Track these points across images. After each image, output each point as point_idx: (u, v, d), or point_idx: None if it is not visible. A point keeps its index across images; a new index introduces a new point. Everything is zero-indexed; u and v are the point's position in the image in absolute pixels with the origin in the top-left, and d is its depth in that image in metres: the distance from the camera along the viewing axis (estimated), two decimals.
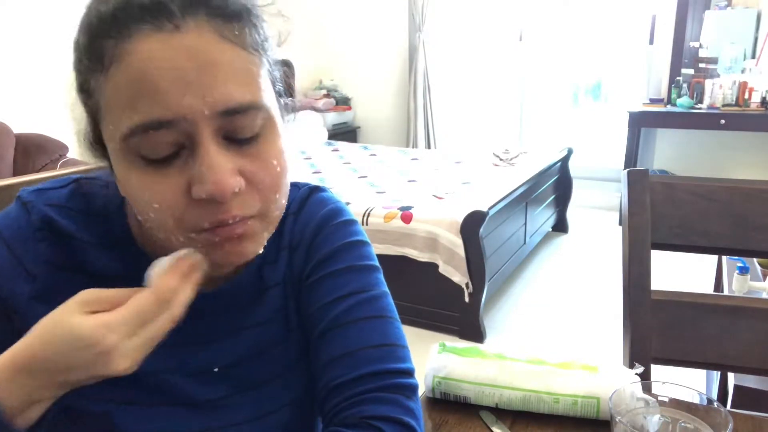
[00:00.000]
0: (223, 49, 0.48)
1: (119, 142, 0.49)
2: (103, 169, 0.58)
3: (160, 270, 0.50)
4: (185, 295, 0.50)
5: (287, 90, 0.59)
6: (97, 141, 0.54)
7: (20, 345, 0.48)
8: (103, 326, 0.46)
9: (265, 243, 0.56)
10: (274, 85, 0.55)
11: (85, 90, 0.51)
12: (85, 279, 0.58)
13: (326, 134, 4.51)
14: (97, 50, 0.48)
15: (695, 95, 3.77)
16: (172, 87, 0.46)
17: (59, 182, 0.61)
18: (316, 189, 0.70)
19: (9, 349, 0.48)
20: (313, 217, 0.66)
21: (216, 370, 0.62)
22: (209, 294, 0.61)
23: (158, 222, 0.51)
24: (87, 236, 0.58)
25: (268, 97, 0.52)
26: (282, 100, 0.57)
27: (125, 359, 0.47)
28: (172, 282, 0.49)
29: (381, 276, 0.67)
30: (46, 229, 0.57)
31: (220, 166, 0.48)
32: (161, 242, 0.53)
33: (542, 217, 3.49)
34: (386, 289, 0.66)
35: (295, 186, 0.69)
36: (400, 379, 0.59)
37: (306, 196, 0.68)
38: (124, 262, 0.59)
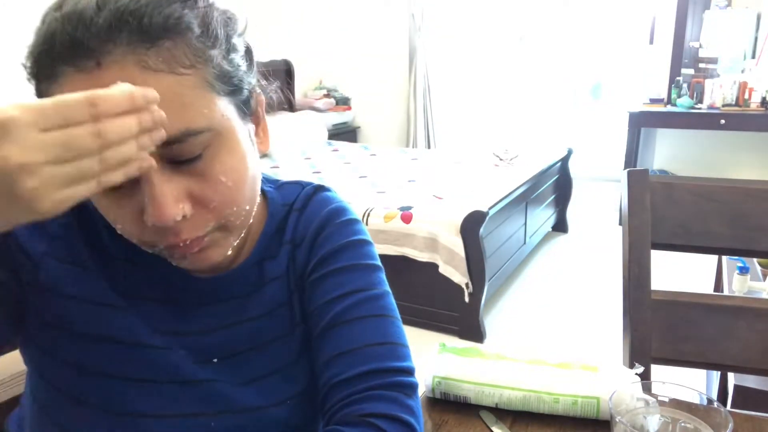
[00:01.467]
0: (146, 80, 0.46)
1: None
2: None
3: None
4: (125, 123, 0.40)
5: (249, 69, 0.56)
6: None
7: None
8: (10, 105, 0.36)
9: (234, 243, 0.57)
10: (227, 84, 0.52)
11: None
12: (94, 253, 0.60)
13: (326, 134, 4.51)
14: (36, 88, 0.51)
15: (695, 95, 3.77)
16: None
17: None
18: (321, 188, 0.70)
19: None
20: (316, 215, 0.67)
21: (215, 360, 0.62)
22: (208, 279, 0.62)
23: (125, 234, 0.54)
24: (98, 216, 0.58)
25: (210, 114, 0.50)
26: (241, 97, 0.54)
27: (23, 146, 0.35)
28: (114, 94, 0.39)
29: (383, 275, 0.67)
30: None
31: (163, 197, 0.49)
32: None
33: (542, 217, 3.49)
34: (388, 288, 0.66)
35: (299, 184, 0.70)
36: (401, 378, 0.59)
37: (311, 194, 0.69)
38: (130, 245, 0.57)
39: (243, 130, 0.55)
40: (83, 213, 0.60)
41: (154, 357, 0.60)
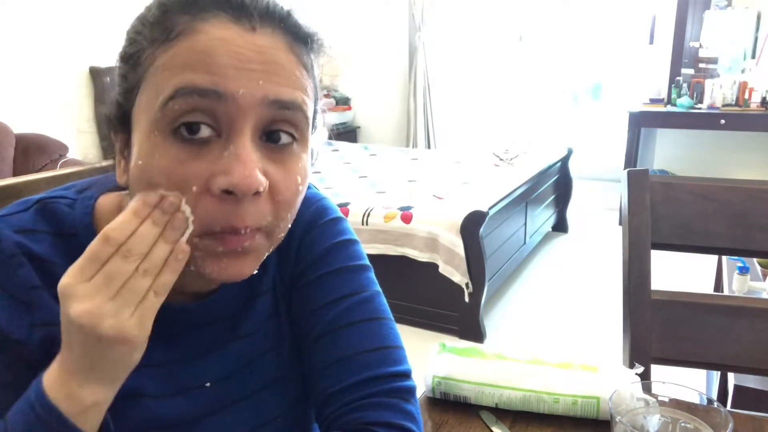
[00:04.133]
0: (289, 58, 0.50)
1: (158, 110, 0.47)
2: (99, 171, 0.57)
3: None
4: (144, 232, 0.46)
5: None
6: (121, 117, 0.52)
7: (61, 348, 0.47)
8: (64, 276, 0.45)
9: (259, 265, 0.53)
10: (313, 115, 0.55)
11: (134, 60, 0.50)
12: None
13: (326, 134, 4.50)
14: (166, 22, 0.48)
15: (695, 95, 3.77)
16: (233, 65, 0.47)
17: (20, 206, 0.57)
18: None
19: (58, 355, 0.48)
20: (300, 218, 0.64)
21: (208, 384, 0.61)
22: (197, 307, 0.59)
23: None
24: (60, 260, 0.55)
25: (310, 116, 0.53)
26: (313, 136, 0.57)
27: (81, 299, 0.44)
28: (119, 220, 0.46)
29: (372, 275, 0.66)
30: (20, 253, 0.53)
31: (251, 160, 0.47)
32: None
33: (542, 217, 3.49)
34: (378, 288, 0.65)
35: None
36: (398, 383, 0.59)
37: None
38: None
39: (308, 157, 0.56)
40: (41, 269, 0.54)
41: (148, 406, 0.57)
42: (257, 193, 0.48)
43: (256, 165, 0.47)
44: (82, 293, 0.44)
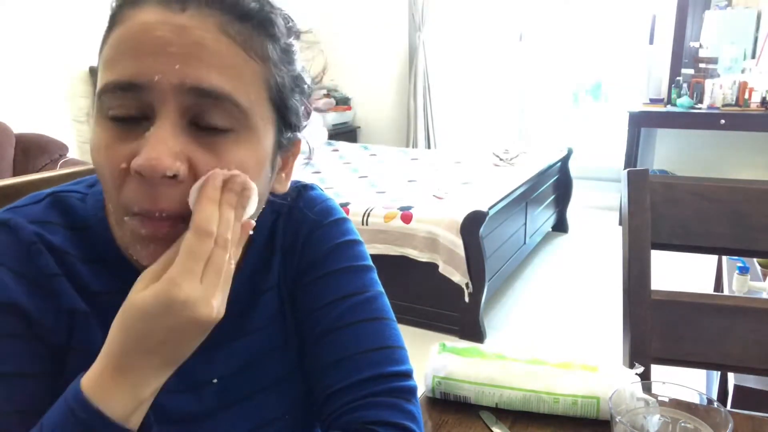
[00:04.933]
0: (218, 39, 0.48)
1: (96, 100, 0.49)
2: (87, 176, 0.57)
3: (191, 201, 0.48)
4: (227, 216, 0.48)
5: (305, 116, 0.59)
6: None
7: (105, 349, 0.47)
8: (166, 283, 0.45)
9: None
10: (276, 107, 0.54)
11: (99, 55, 0.52)
12: (82, 295, 0.55)
13: (326, 134, 4.51)
14: (113, 15, 0.50)
15: (695, 95, 3.77)
16: (150, 54, 0.47)
17: (33, 198, 0.58)
18: (305, 188, 0.68)
19: (97, 359, 0.47)
20: (304, 218, 0.65)
21: (215, 381, 0.61)
22: None
23: (107, 196, 0.51)
24: (73, 250, 0.56)
25: (254, 104, 0.51)
26: (285, 131, 0.56)
27: (204, 303, 0.46)
28: (204, 211, 0.47)
29: (375, 275, 0.66)
30: (39, 242, 0.54)
31: (163, 143, 0.46)
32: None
33: (542, 217, 3.49)
34: (381, 288, 0.65)
35: None
36: (399, 382, 0.59)
37: (295, 196, 0.67)
38: (111, 277, 0.57)
39: (269, 155, 0.55)
40: (60, 259, 0.55)
41: (156, 400, 0.56)
42: (173, 177, 0.47)
43: (169, 149, 0.46)
44: (204, 296, 0.46)
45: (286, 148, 0.59)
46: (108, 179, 0.49)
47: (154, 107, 0.47)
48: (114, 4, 0.51)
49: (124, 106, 0.48)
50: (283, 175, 0.61)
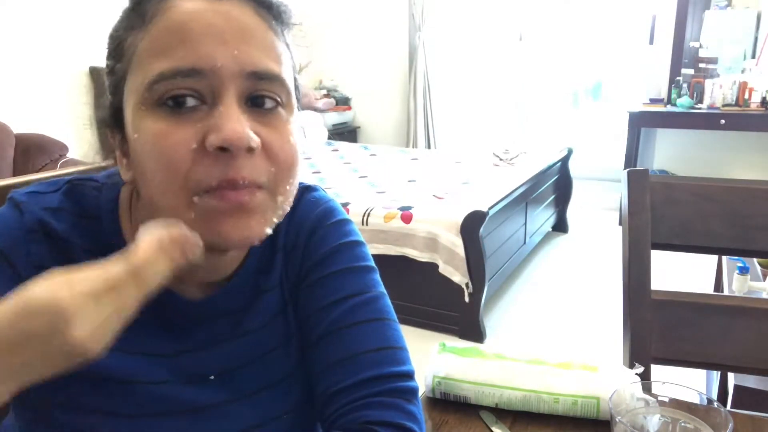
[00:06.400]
0: (258, 23, 0.51)
1: (145, 90, 0.49)
2: (99, 170, 0.57)
3: (138, 241, 0.44)
4: (159, 268, 0.43)
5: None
6: (114, 114, 0.54)
7: None
8: (63, 283, 0.39)
9: (270, 230, 0.53)
10: (294, 85, 0.56)
11: (118, 52, 0.52)
12: None
13: (326, 134, 4.51)
14: (140, 9, 0.51)
15: (695, 95, 3.77)
16: (207, 40, 0.49)
17: (52, 186, 0.59)
18: (308, 189, 0.69)
19: None
20: (307, 218, 0.65)
21: (212, 377, 0.61)
22: (203, 301, 0.60)
23: (164, 185, 0.49)
24: (79, 240, 0.56)
25: (290, 83, 0.54)
26: (300, 107, 0.59)
27: (86, 324, 0.39)
28: (146, 252, 0.43)
29: (377, 276, 0.66)
30: (40, 231, 0.55)
31: (239, 118, 0.49)
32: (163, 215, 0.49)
33: (542, 217, 3.49)
34: (383, 289, 0.65)
35: None
36: (400, 383, 0.59)
37: (298, 197, 0.67)
38: None
39: (297, 123, 0.57)
40: (56, 249, 0.55)
41: (148, 392, 0.57)
42: (251, 150, 0.49)
43: (245, 123, 0.49)
44: (90, 315, 0.39)
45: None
46: (169, 163, 0.48)
47: (216, 91, 0.49)
48: (141, 1, 0.51)
49: (183, 93, 0.49)
50: None
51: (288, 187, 0.54)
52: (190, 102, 0.49)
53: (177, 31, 0.49)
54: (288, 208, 0.56)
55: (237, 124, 0.48)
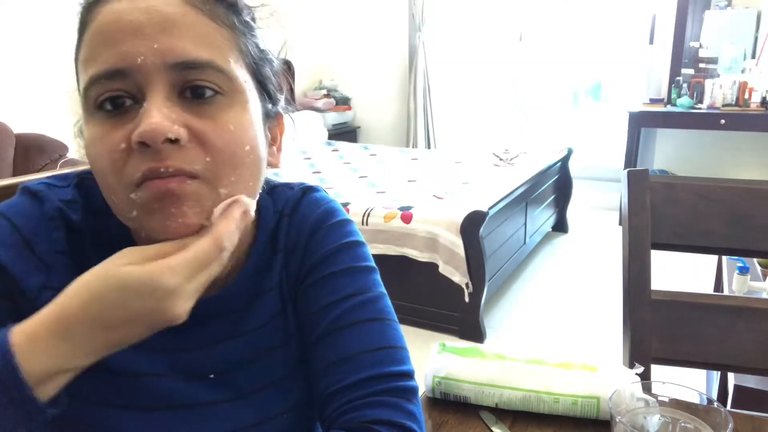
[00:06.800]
0: (186, 12, 0.51)
1: (83, 97, 0.51)
2: None
3: (216, 214, 0.50)
4: (234, 239, 0.50)
5: (279, 90, 0.61)
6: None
7: (55, 307, 0.46)
8: (166, 268, 0.46)
9: (207, 216, 0.51)
10: (253, 73, 0.56)
11: (75, 67, 0.54)
12: (80, 273, 0.56)
13: (326, 134, 4.51)
14: (81, 20, 0.53)
15: (695, 95, 3.77)
16: (127, 39, 0.49)
17: (64, 180, 0.60)
18: (309, 189, 0.69)
19: (39, 312, 0.46)
20: (307, 219, 0.65)
21: (212, 376, 0.61)
22: (203, 301, 0.59)
23: (108, 186, 0.51)
24: (90, 233, 0.58)
25: (234, 67, 0.53)
26: (267, 105, 0.58)
27: (185, 301, 0.47)
28: (229, 226, 0.49)
29: (377, 277, 0.66)
30: (59, 218, 0.56)
31: (160, 111, 0.48)
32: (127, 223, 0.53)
33: (542, 217, 3.49)
34: (383, 290, 0.65)
35: (288, 187, 0.68)
36: (400, 382, 0.59)
37: (299, 198, 0.67)
38: None
39: (260, 119, 0.56)
40: (73, 237, 0.57)
41: (148, 385, 0.58)
42: (175, 142, 0.48)
43: (166, 115, 0.48)
44: (188, 292, 0.47)
45: (272, 120, 0.60)
46: (107, 166, 0.50)
47: (142, 88, 0.49)
48: (81, 9, 0.53)
49: (114, 94, 0.50)
50: (275, 148, 0.62)
51: (233, 179, 0.52)
52: (127, 102, 0.50)
53: (101, 34, 0.50)
54: (250, 193, 0.54)
55: (155, 117, 0.47)
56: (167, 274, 0.45)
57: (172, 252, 0.48)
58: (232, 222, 0.50)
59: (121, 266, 0.46)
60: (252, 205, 0.53)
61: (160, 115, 0.48)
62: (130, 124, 0.49)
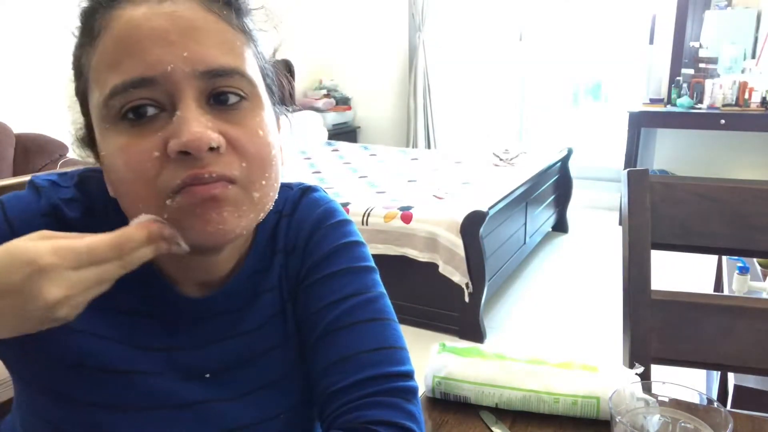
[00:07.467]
0: (207, 19, 0.50)
1: (102, 106, 0.49)
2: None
3: (129, 224, 0.48)
4: (143, 253, 0.47)
5: (281, 90, 0.60)
6: (88, 134, 0.55)
7: None
8: (49, 247, 0.43)
9: (249, 225, 0.53)
10: (263, 75, 0.56)
11: (77, 70, 0.53)
12: None
13: (326, 134, 4.51)
14: (88, 24, 0.51)
15: (695, 95, 3.77)
16: (154, 47, 0.48)
17: (68, 180, 0.60)
18: (309, 189, 0.69)
19: None
20: (307, 219, 0.65)
21: (207, 376, 0.61)
22: (201, 300, 0.60)
23: (135, 196, 0.50)
24: (84, 230, 0.57)
25: (254, 74, 0.53)
26: (274, 98, 0.58)
27: (60, 288, 0.42)
28: (136, 234, 0.47)
29: (377, 277, 0.66)
30: (53, 216, 0.56)
31: (198, 120, 0.48)
32: None
33: (542, 217, 3.49)
34: (383, 290, 0.65)
35: (287, 187, 0.68)
36: (400, 383, 0.59)
37: (298, 198, 0.67)
38: None
39: (270, 116, 0.56)
40: (67, 231, 0.57)
41: (144, 383, 0.57)
42: (215, 150, 0.49)
43: (204, 124, 0.48)
44: (66, 280, 0.43)
45: (276, 119, 0.60)
46: (137, 175, 0.49)
47: (172, 96, 0.49)
48: (87, 17, 0.51)
49: (140, 104, 0.48)
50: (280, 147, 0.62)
51: (263, 182, 0.53)
52: (150, 111, 0.49)
53: (123, 42, 0.48)
54: (269, 208, 0.56)
55: (196, 126, 0.47)
56: (48, 252, 0.42)
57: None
58: (141, 232, 0.47)
59: (22, 240, 0.44)
60: (180, 238, 0.50)
61: (199, 125, 0.48)
62: (159, 132, 0.48)
